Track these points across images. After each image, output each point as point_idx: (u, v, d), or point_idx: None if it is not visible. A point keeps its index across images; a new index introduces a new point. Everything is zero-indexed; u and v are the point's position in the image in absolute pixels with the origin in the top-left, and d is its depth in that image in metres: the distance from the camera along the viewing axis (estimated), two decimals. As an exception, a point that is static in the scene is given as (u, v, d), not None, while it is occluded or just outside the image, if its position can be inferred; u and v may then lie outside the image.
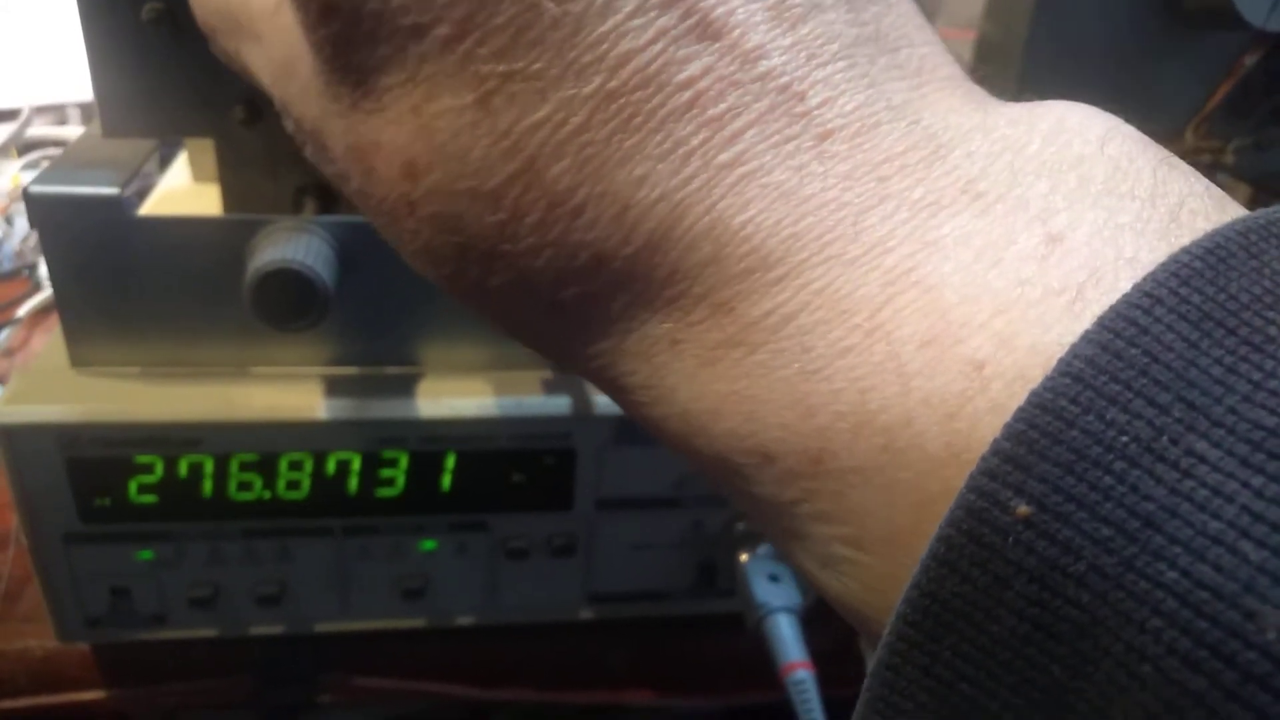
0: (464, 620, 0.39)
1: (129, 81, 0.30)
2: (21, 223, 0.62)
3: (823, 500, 0.13)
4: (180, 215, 0.32)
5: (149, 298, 0.33)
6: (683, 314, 0.14)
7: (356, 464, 0.35)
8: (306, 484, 0.35)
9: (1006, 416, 0.11)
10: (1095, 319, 0.11)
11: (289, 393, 0.34)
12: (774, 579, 0.38)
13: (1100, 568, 0.10)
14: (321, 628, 0.38)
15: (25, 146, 0.71)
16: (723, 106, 0.13)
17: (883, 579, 0.13)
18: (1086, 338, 0.11)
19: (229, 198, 0.34)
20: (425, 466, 0.35)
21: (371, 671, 0.40)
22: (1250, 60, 0.41)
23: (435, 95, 0.14)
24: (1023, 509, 0.11)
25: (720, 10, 0.13)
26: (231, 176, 0.33)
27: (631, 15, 0.13)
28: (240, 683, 0.39)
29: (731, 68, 0.13)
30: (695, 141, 0.13)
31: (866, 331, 0.12)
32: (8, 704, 0.37)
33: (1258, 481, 0.10)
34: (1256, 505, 0.10)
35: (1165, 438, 0.10)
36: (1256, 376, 0.10)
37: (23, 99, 0.71)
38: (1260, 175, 0.44)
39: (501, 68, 0.14)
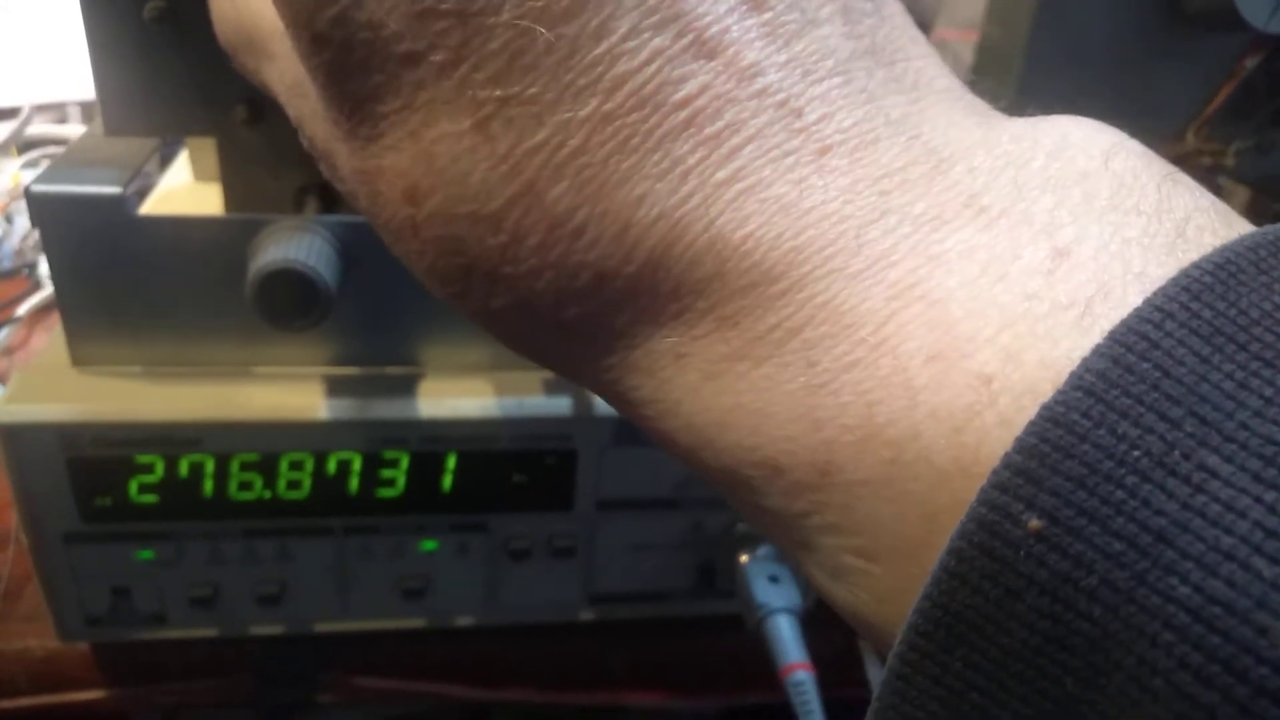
0: (464, 620, 0.39)
1: (131, 80, 0.30)
2: (22, 221, 0.62)
3: (831, 512, 0.13)
4: (182, 214, 0.32)
5: (150, 297, 0.33)
6: (687, 328, 0.14)
7: (357, 464, 0.35)
8: (307, 484, 0.35)
9: (1015, 431, 0.11)
10: (1105, 333, 0.11)
11: (290, 392, 0.34)
12: (774, 580, 0.38)
13: (1112, 582, 0.10)
14: (321, 627, 0.38)
15: (25, 145, 0.71)
16: (720, 124, 0.13)
17: (893, 590, 0.13)
18: (1098, 351, 0.11)
19: (231, 197, 0.34)
20: (426, 467, 0.35)
21: (371, 671, 0.40)
22: (1251, 62, 0.41)
23: (433, 121, 0.14)
24: (1034, 523, 0.11)
25: (715, 29, 0.13)
26: (233, 176, 0.33)
27: (626, 37, 0.13)
28: (240, 682, 0.39)
29: (728, 85, 0.13)
30: (692, 160, 0.13)
31: (872, 346, 0.12)
32: (8, 704, 0.37)
33: (1270, 497, 0.10)
34: (1269, 521, 0.10)
35: (1177, 452, 0.10)
36: (1268, 392, 0.10)
37: (23, 97, 0.71)
38: (1261, 178, 0.44)
39: (498, 93, 0.14)
